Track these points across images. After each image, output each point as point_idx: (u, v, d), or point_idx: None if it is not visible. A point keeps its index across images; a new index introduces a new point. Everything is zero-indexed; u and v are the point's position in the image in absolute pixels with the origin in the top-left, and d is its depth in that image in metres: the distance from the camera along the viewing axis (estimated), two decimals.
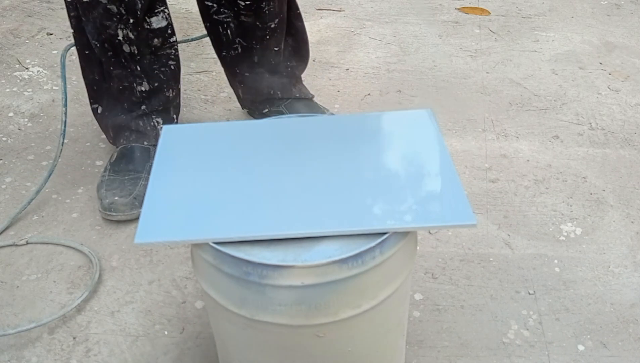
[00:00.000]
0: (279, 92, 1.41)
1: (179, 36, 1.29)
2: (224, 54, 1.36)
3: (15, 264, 1.15)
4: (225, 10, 1.28)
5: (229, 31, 1.31)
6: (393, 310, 0.75)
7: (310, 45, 1.46)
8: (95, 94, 1.31)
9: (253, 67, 1.36)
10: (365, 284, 0.68)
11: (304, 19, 1.41)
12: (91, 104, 1.33)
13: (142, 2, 1.14)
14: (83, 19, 1.17)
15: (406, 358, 0.96)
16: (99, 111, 1.32)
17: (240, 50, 1.34)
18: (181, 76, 1.34)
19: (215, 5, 1.27)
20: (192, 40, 1.61)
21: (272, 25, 1.30)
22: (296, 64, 1.44)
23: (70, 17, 1.21)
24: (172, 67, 1.27)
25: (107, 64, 1.23)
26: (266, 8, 1.26)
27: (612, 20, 1.99)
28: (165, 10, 1.21)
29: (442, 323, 1.03)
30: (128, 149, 1.30)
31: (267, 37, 1.31)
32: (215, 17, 1.29)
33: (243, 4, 1.25)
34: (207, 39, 1.40)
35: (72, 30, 1.22)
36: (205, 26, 1.34)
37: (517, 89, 1.65)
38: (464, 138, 1.46)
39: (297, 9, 1.38)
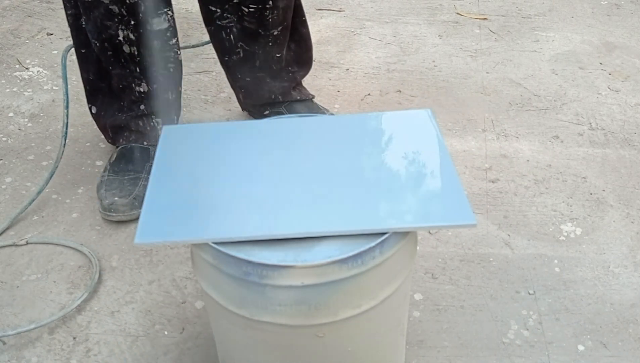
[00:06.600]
0: (279, 97, 1.41)
1: (178, 36, 1.28)
2: (226, 58, 1.36)
3: (15, 264, 1.15)
4: (229, 15, 1.27)
5: (231, 36, 1.30)
6: (393, 310, 0.75)
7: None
8: (89, 94, 1.30)
9: (254, 72, 1.36)
10: (365, 284, 0.68)
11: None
12: (87, 103, 1.32)
13: (145, 4, 1.14)
14: (84, 17, 1.17)
15: (406, 358, 0.96)
16: (93, 111, 1.32)
17: (242, 55, 1.33)
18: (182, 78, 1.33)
19: (219, 10, 1.27)
20: (194, 47, 1.61)
21: (275, 33, 1.29)
22: (298, 70, 1.43)
23: (67, 15, 1.20)
24: (172, 70, 1.26)
25: (106, 63, 1.22)
26: (270, 16, 1.25)
27: (612, 20, 1.99)
28: (169, 13, 1.20)
29: (442, 323, 1.03)
30: (128, 149, 1.30)
31: (270, 43, 1.31)
32: (219, 22, 1.28)
33: (247, 10, 1.24)
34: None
35: (69, 29, 1.22)
36: (208, 30, 1.33)
37: (517, 89, 1.65)
38: (464, 138, 1.46)
39: (303, 15, 1.37)
